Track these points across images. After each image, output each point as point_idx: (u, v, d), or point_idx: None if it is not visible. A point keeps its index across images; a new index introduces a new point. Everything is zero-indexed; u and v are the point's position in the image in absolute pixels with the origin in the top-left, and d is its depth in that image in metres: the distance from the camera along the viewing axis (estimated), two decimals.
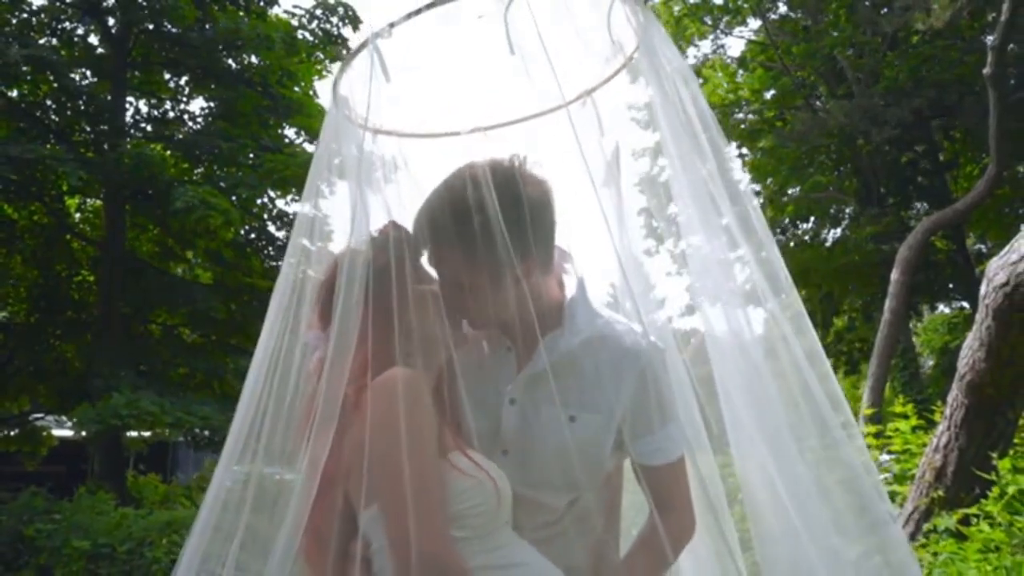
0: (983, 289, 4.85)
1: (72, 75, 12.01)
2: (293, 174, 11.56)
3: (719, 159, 1.49)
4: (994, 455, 4.60)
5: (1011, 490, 4.30)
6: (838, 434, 1.53)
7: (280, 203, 13.34)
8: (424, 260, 1.57)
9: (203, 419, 10.10)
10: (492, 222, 1.39)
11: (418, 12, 1.46)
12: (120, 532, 7.66)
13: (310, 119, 13.16)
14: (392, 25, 1.47)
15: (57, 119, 12.49)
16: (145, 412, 9.26)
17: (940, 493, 5.21)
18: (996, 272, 4.72)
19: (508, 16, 1.45)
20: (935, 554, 4.27)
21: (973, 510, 4.38)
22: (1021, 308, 4.59)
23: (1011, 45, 13.13)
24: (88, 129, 12.77)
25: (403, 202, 1.80)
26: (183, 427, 10.21)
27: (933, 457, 5.45)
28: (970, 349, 5.12)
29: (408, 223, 1.69)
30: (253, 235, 13.55)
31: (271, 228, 13.69)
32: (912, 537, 5.03)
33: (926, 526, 5.03)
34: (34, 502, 8.56)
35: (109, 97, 12.42)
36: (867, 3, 16.70)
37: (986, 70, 11.21)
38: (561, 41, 1.55)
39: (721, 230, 1.51)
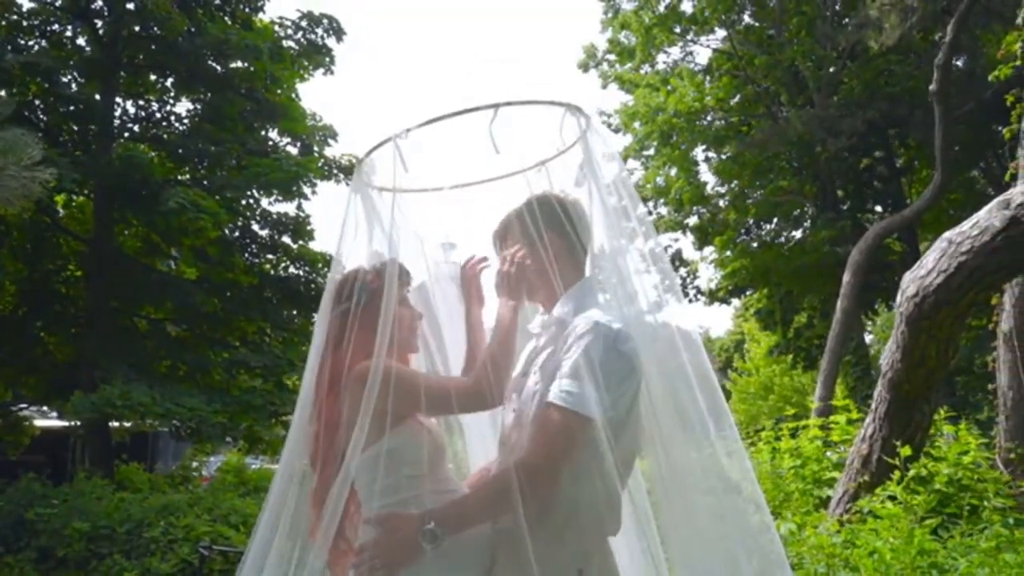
0: (898, 299, 5.56)
1: (62, 77, 12.37)
2: (278, 178, 12.04)
3: (641, 231, 2.12)
4: (897, 444, 5.26)
5: (911, 473, 5.00)
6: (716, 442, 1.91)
7: (264, 202, 13.83)
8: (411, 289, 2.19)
9: (191, 410, 10.56)
10: (536, 221, 2.00)
11: (430, 122, 2.07)
12: (119, 514, 8.17)
13: (294, 123, 13.64)
14: (408, 130, 2.08)
15: (46, 119, 12.82)
16: (137, 403, 9.74)
17: (866, 478, 5.88)
18: (908, 284, 5.42)
19: (492, 127, 2.05)
20: (853, 531, 4.91)
21: (879, 491, 5.06)
22: (928, 316, 5.29)
23: (956, 62, 13.90)
24: (76, 129, 13.13)
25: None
26: (172, 418, 10.66)
27: (860, 446, 6.13)
28: (889, 351, 5.84)
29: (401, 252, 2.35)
30: (237, 233, 14.00)
31: (255, 227, 14.16)
32: (841, 517, 5.71)
33: (852, 507, 5.71)
34: (32, 487, 9.02)
35: (98, 97, 12.77)
36: (827, 14, 17.49)
37: (932, 87, 11.83)
38: (528, 135, 2.20)
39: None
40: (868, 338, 22.84)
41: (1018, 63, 8.91)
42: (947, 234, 5.23)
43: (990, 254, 4.85)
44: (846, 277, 13.17)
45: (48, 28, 12.79)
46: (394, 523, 1.80)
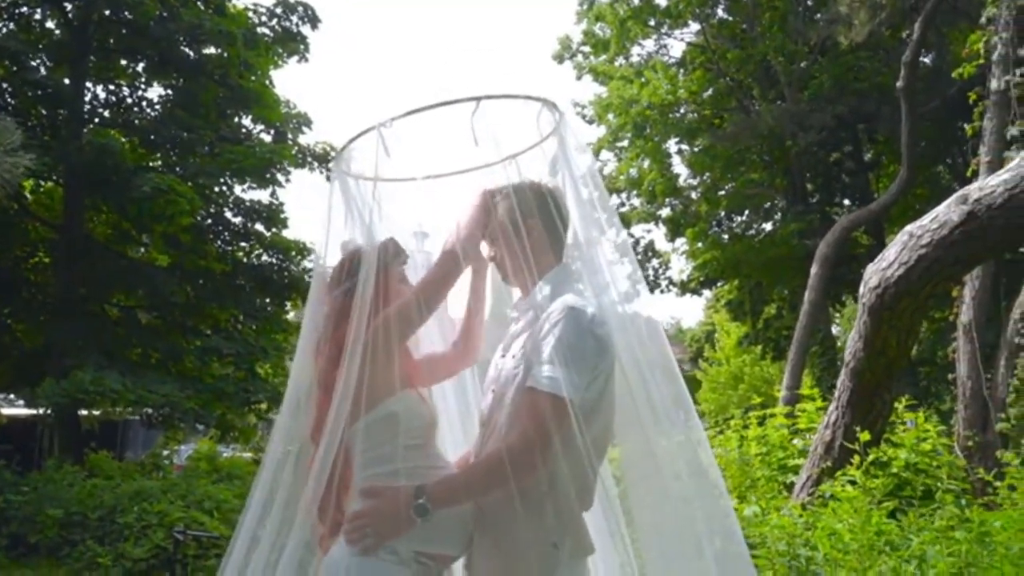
0: (861, 290, 5.73)
1: (31, 61, 12.21)
2: (251, 165, 12.00)
3: (611, 222, 2.21)
4: (857, 429, 5.44)
5: (870, 458, 5.18)
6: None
7: (237, 190, 13.77)
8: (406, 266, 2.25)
9: (163, 396, 10.53)
10: (512, 208, 2.04)
11: (413, 112, 2.14)
12: (91, 501, 8.16)
13: (268, 110, 13.58)
14: (393, 119, 2.15)
15: (14, 103, 12.63)
16: (109, 389, 9.70)
17: (829, 464, 6.06)
18: (870, 276, 5.60)
19: (473, 120, 2.13)
20: (814, 513, 5.07)
21: (840, 475, 5.24)
22: (890, 307, 5.47)
23: (923, 60, 14.16)
24: (45, 114, 12.97)
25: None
26: (144, 405, 10.61)
27: (824, 433, 6.31)
28: (852, 341, 6.02)
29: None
30: (210, 221, 13.92)
31: (228, 214, 14.10)
32: (804, 501, 5.88)
33: (815, 491, 5.88)
34: (3, 474, 8.96)
35: (67, 81, 12.62)
36: (799, 10, 17.74)
37: (899, 83, 12.04)
38: (504, 127, 2.28)
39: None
40: (835, 329, 23.21)
41: (981, 61, 9.13)
42: (908, 227, 5.41)
43: (948, 247, 5.03)
44: (814, 269, 13.39)
45: (16, 11, 12.60)
46: (388, 495, 1.88)
